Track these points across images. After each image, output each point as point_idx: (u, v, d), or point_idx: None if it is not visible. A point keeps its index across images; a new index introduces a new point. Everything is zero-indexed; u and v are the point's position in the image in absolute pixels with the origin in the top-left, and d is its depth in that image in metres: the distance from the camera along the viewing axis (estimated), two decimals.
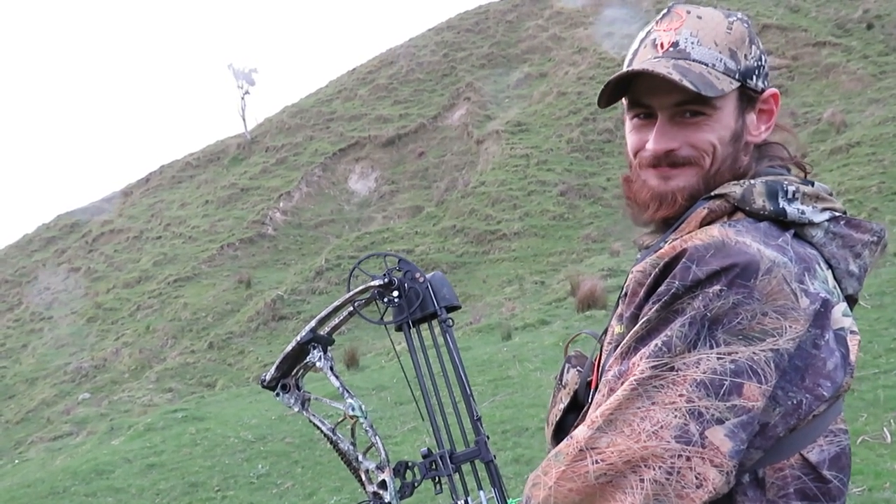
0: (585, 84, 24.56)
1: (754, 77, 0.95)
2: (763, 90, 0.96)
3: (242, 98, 32.80)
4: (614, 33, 26.66)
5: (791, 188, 0.91)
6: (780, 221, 0.90)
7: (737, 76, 0.93)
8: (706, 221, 0.91)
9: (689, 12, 0.95)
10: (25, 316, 24.67)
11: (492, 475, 0.99)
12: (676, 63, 0.92)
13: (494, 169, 22.18)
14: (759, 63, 0.96)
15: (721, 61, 0.92)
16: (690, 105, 0.93)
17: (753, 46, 0.95)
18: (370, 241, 20.65)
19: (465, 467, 1.00)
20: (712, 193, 0.92)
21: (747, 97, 0.95)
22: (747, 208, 0.90)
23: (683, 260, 0.84)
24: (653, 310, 0.84)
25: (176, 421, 8.31)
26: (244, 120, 32.41)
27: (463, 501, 0.97)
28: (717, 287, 0.81)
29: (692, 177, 0.95)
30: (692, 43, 0.93)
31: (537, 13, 31.55)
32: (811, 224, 0.90)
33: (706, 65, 0.92)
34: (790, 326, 0.81)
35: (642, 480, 0.78)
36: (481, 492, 0.98)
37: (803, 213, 0.90)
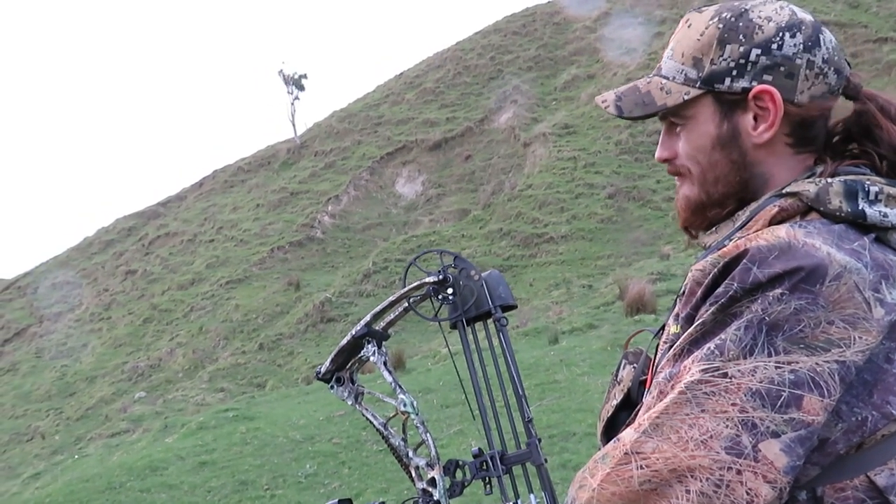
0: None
1: (728, 79, 0.89)
2: (748, 90, 0.89)
3: (292, 104, 33.41)
4: (664, 33, 26.25)
5: (874, 188, 0.85)
6: (860, 224, 0.84)
7: (697, 84, 0.91)
8: (776, 220, 0.86)
9: (687, 20, 0.94)
10: (86, 316, 25.56)
11: (542, 479, 0.97)
12: (638, 83, 0.97)
13: (541, 172, 22.05)
14: (741, 61, 0.88)
15: (682, 73, 0.92)
16: (667, 117, 0.96)
17: (730, 46, 0.89)
18: (417, 245, 20.75)
19: (516, 470, 0.99)
20: (784, 191, 0.88)
21: (727, 100, 0.90)
22: (822, 208, 0.84)
23: (744, 261, 0.79)
24: (709, 312, 0.80)
25: (227, 420, 8.47)
26: (294, 125, 33.01)
27: (512, 503, 0.96)
28: (778, 291, 0.77)
29: (690, 186, 0.96)
30: (667, 57, 0.95)
31: (585, 15, 31.29)
32: (894, 228, 0.84)
33: (667, 78, 0.94)
34: (860, 337, 0.76)
35: (688, 491, 0.75)
36: (531, 495, 0.96)
37: (885, 215, 0.84)
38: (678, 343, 0.83)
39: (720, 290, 0.80)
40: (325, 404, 8.33)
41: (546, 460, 0.98)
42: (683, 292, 0.87)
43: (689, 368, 0.80)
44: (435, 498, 1.00)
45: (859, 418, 0.77)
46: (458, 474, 1.01)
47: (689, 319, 0.84)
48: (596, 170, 21.24)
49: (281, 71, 34.36)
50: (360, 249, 23.47)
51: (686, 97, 0.91)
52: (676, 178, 0.99)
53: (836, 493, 0.80)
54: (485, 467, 0.99)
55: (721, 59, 0.89)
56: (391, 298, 1.08)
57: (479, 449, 1.00)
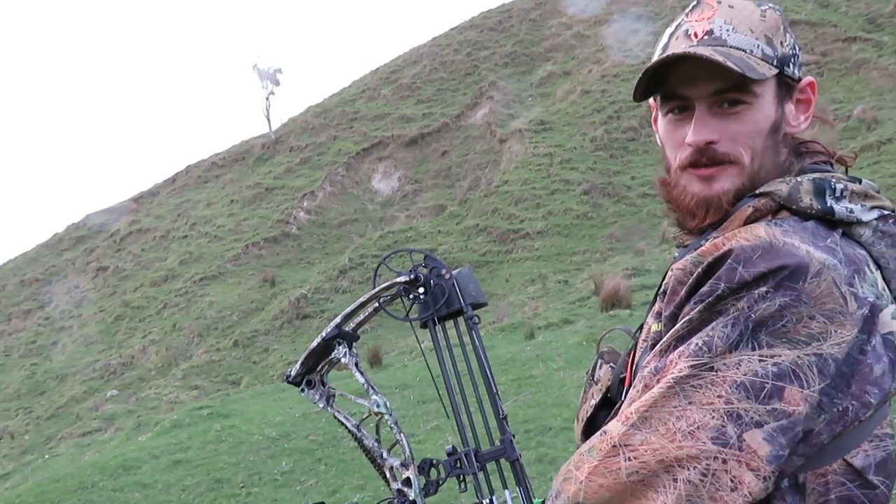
0: (609, 82, 24.38)
1: (791, 65, 0.93)
2: (800, 79, 0.95)
3: (267, 98, 33.08)
4: (639, 30, 26.44)
5: (839, 186, 0.88)
6: (827, 220, 0.87)
7: (775, 62, 0.91)
8: (750, 220, 0.88)
9: (719, 2, 0.92)
10: (55, 314, 25.13)
11: (517, 474, 0.98)
12: (716, 49, 0.89)
13: (517, 168, 22.12)
14: (794, 51, 0.94)
15: (758, 48, 0.90)
16: (731, 93, 0.90)
17: (787, 34, 0.94)
18: (393, 241, 20.71)
19: (490, 466, 0.99)
20: (757, 192, 0.90)
21: (785, 86, 0.93)
22: (794, 207, 0.87)
23: (729, 261, 0.82)
24: (695, 310, 0.82)
25: (202, 418, 8.40)
26: (269, 120, 32.69)
27: (488, 500, 0.96)
28: (763, 289, 0.79)
29: (736, 177, 0.91)
30: (727, 30, 0.90)
31: (560, 11, 31.39)
32: (859, 223, 0.87)
33: (744, 51, 0.90)
34: (837, 331, 0.79)
35: (675, 481, 0.77)
36: (506, 491, 0.96)
37: (852, 211, 0.87)
38: (664, 339, 0.85)
39: (705, 288, 0.82)
40: (301, 401, 8.29)
41: (521, 455, 0.99)
42: (665, 291, 0.89)
43: (676, 363, 0.81)
44: (410, 498, 1.00)
45: (840, 409, 0.80)
46: (433, 473, 1.02)
47: (673, 318, 0.86)
48: (571, 166, 21.35)
49: (255, 65, 34.01)
50: (335, 245, 23.36)
51: (771, 72, 0.90)
52: (704, 170, 0.91)
53: (816, 479, 0.83)
54: (459, 465, 0.99)
55: (786, 44, 0.92)
56: (362, 299, 1.08)
57: (454, 447, 1.00)
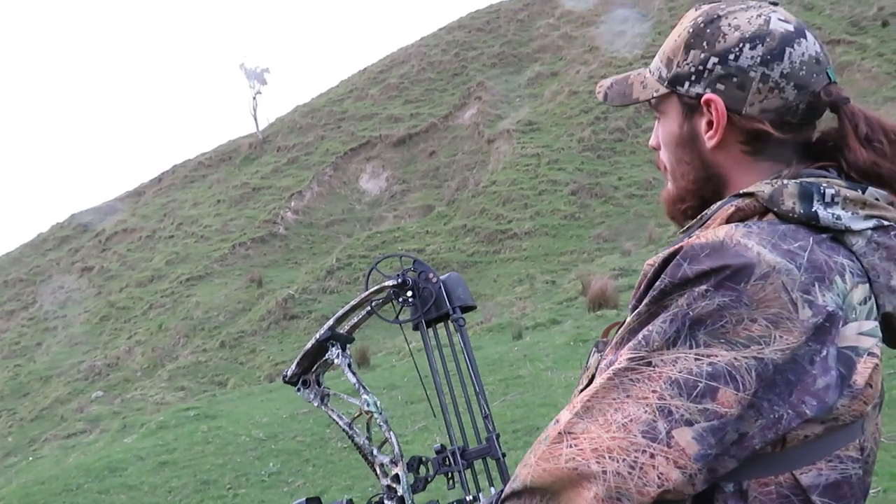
0: (596, 83, 24.37)
1: (686, 83, 0.92)
2: (700, 96, 0.91)
3: (254, 98, 32.96)
4: (626, 32, 26.58)
5: (830, 191, 0.85)
6: (813, 226, 0.85)
7: (665, 83, 0.95)
8: (733, 219, 0.88)
9: (683, 18, 0.98)
10: (39, 314, 24.91)
11: (501, 472, 1.00)
12: (631, 74, 1.01)
13: (505, 168, 22.17)
14: (699, 67, 0.91)
15: (658, 70, 0.97)
16: (654, 109, 1.00)
17: (694, 51, 0.91)
18: (381, 241, 20.70)
19: (477, 464, 1.01)
20: (741, 191, 0.90)
21: (687, 103, 0.94)
22: (775, 209, 0.86)
23: (678, 257, 0.83)
24: (643, 304, 0.84)
25: (188, 419, 8.36)
26: (256, 120, 32.57)
27: (471, 497, 0.99)
28: (703, 287, 0.79)
29: (668, 181, 1.00)
30: (658, 53, 0.99)
31: (548, 12, 31.50)
32: (850, 231, 0.85)
33: (650, 73, 0.98)
34: (780, 336, 0.78)
35: (605, 472, 0.78)
36: (492, 488, 0.99)
37: (839, 218, 0.85)
38: (619, 332, 0.87)
39: (657, 283, 0.83)
40: (288, 402, 8.26)
41: (504, 454, 1.01)
42: (637, 285, 0.90)
43: (621, 356, 0.83)
44: (399, 493, 1.02)
45: (776, 416, 0.79)
46: (422, 470, 1.04)
47: (634, 311, 0.87)
48: (559, 166, 21.44)
49: (243, 65, 33.88)
50: (323, 246, 23.31)
51: (655, 94, 0.96)
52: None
53: (760, 488, 0.83)
54: (447, 462, 1.02)
55: (685, 62, 0.93)
56: (353, 302, 1.12)
57: (442, 445, 1.02)
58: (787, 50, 0.88)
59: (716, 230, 0.85)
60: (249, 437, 7.04)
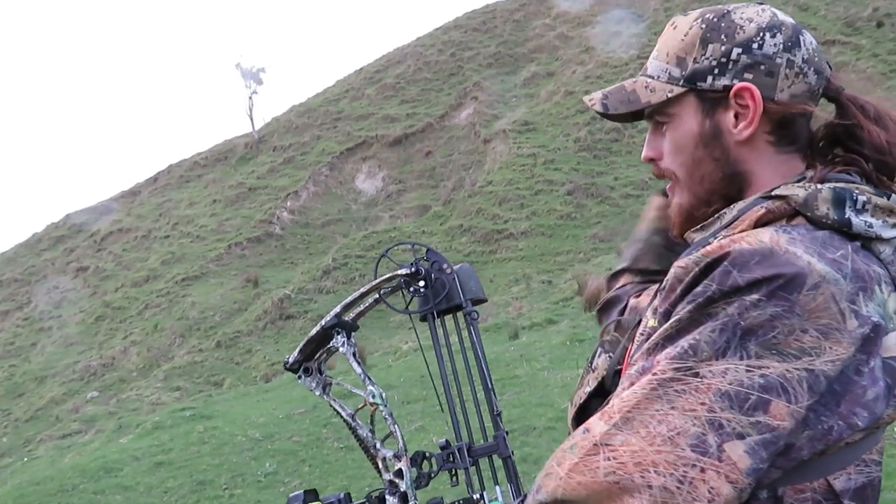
0: (593, 83, 24.49)
1: (710, 77, 0.91)
2: (729, 87, 0.90)
3: (250, 97, 32.89)
4: (621, 32, 26.60)
5: (861, 198, 0.85)
6: (844, 232, 0.84)
7: (681, 82, 0.93)
8: (762, 222, 0.87)
9: (673, 23, 0.97)
10: (34, 315, 24.81)
11: (508, 471, 0.98)
12: (625, 83, 0.98)
13: (501, 168, 22.16)
14: (723, 59, 0.91)
15: (665, 72, 0.94)
16: (653, 116, 0.97)
17: (713, 45, 0.91)
18: (377, 241, 20.67)
19: (482, 463, 0.99)
20: (772, 193, 0.88)
21: (709, 98, 0.92)
22: (809, 214, 0.85)
23: (725, 263, 0.80)
24: (685, 310, 0.81)
25: (184, 419, 8.34)
26: (252, 119, 32.51)
27: (478, 495, 0.97)
28: (755, 296, 0.77)
29: (681, 193, 0.96)
30: (653, 58, 0.97)
31: (544, 12, 31.51)
32: (879, 239, 0.85)
33: (653, 77, 0.96)
34: (830, 348, 0.77)
35: (650, 486, 0.76)
36: (497, 487, 0.97)
37: (871, 226, 0.84)
38: (653, 338, 0.84)
39: (699, 289, 0.81)
40: (284, 402, 8.25)
41: (513, 453, 0.99)
42: (664, 287, 0.88)
43: (661, 364, 0.80)
44: (402, 489, 1.00)
45: (825, 427, 0.79)
46: (425, 466, 1.01)
47: (667, 315, 0.85)
48: (555, 166, 21.44)
49: (238, 64, 33.80)
50: (319, 246, 23.27)
51: (669, 95, 0.94)
52: (669, 187, 1.00)
53: (795, 494, 0.82)
54: (451, 459, 0.99)
55: (703, 57, 0.91)
56: (362, 290, 1.08)
57: (447, 441, 1.00)
58: (801, 38, 0.91)
59: (758, 234, 0.82)
60: (245, 438, 7.02)
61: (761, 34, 0.90)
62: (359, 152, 27.39)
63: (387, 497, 1.01)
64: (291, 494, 1.04)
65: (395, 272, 1.09)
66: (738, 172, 0.93)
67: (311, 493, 1.05)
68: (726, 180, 0.93)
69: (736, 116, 0.91)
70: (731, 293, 0.79)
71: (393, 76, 31.05)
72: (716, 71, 0.91)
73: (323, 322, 1.08)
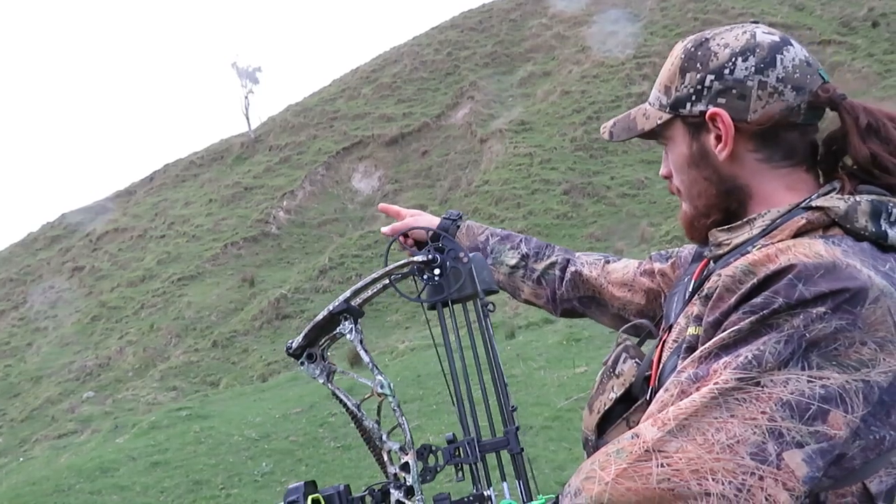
0: (589, 83, 24.51)
1: (688, 104, 0.96)
2: (704, 112, 0.95)
3: (246, 97, 32.84)
4: (618, 32, 26.63)
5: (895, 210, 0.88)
6: (879, 244, 0.87)
7: (667, 109, 0.99)
8: (801, 232, 0.89)
9: (672, 50, 1.02)
10: (30, 314, 24.74)
11: (517, 467, 0.96)
12: (632, 110, 1.05)
13: (498, 168, 22.17)
14: (698, 87, 0.95)
15: (657, 99, 1.01)
16: (659, 139, 1.04)
17: (690, 74, 0.96)
18: (374, 240, 20.66)
19: (488, 459, 0.98)
20: (812, 204, 0.90)
21: (692, 123, 0.97)
22: (848, 226, 0.87)
23: (790, 276, 0.81)
24: (745, 321, 0.81)
25: (180, 419, 8.32)
26: (248, 119, 32.46)
27: (490, 492, 0.95)
28: (821, 309, 0.79)
29: (685, 203, 1.03)
30: (655, 85, 1.03)
31: (540, 12, 31.52)
32: None
33: (650, 105, 1.02)
34: (885, 359, 0.79)
35: (708, 494, 0.76)
36: (504, 483, 0.95)
37: None
38: (706, 346, 0.84)
39: (758, 300, 0.82)
40: (281, 402, 8.24)
41: (523, 449, 0.98)
42: (708, 295, 0.89)
43: (721, 373, 0.81)
44: (407, 483, 0.99)
45: (877, 437, 0.81)
46: (431, 460, 0.99)
47: (717, 324, 0.85)
48: (552, 166, 21.45)
49: (235, 63, 33.76)
50: (315, 245, 23.24)
51: (659, 122, 1.00)
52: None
53: (837, 500, 0.84)
54: (459, 453, 0.97)
55: (682, 86, 0.97)
56: (374, 275, 1.05)
57: (454, 435, 0.99)
58: (778, 57, 0.93)
59: (812, 247, 0.84)
60: (242, 437, 7.01)
61: (733, 59, 0.93)
62: (355, 152, 27.37)
63: (391, 491, 0.99)
64: (291, 486, 1.02)
65: (411, 259, 1.06)
66: (733, 188, 0.97)
67: (311, 485, 1.03)
68: (721, 196, 0.98)
69: (717, 138, 0.95)
70: (797, 306, 0.80)
71: (389, 75, 31.03)
72: (693, 98, 0.96)
73: (331, 306, 1.05)
